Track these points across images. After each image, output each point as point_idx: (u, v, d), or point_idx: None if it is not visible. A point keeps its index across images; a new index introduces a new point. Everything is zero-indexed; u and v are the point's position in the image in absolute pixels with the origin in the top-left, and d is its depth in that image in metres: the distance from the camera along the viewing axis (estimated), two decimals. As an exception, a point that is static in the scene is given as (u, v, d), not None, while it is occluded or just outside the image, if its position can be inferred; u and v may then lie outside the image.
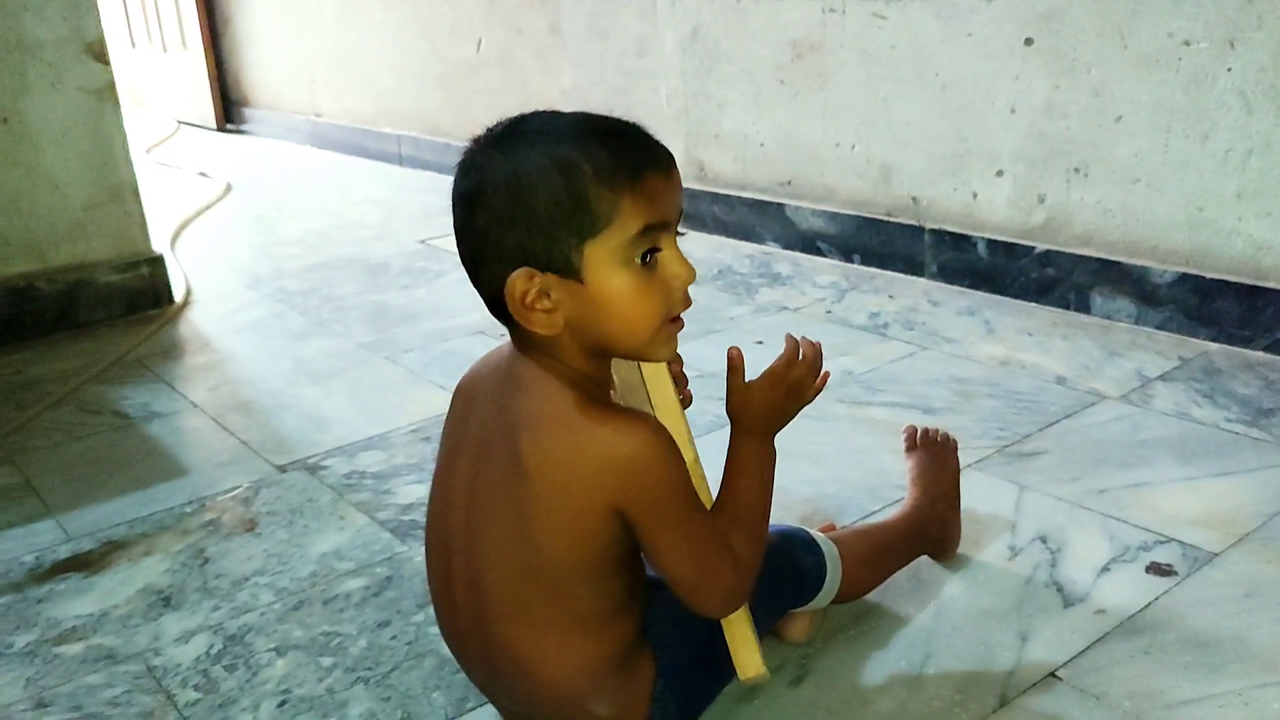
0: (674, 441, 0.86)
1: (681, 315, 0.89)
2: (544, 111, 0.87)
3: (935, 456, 1.33)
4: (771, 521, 1.09)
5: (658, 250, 0.84)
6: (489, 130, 0.86)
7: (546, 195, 0.81)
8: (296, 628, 1.23)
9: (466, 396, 0.95)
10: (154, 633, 1.24)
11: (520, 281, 0.82)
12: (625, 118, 0.87)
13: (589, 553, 0.89)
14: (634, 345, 0.87)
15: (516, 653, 0.91)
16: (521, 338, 0.90)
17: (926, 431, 1.36)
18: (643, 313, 0.84)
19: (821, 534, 1.14)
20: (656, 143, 0.85)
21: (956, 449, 1.35)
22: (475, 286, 0.87)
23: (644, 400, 1.00)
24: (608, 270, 0.82)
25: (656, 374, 1.00)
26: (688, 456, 0.94)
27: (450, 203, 0.87)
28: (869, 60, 2.35)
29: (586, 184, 0.80)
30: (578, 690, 0.92)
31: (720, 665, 1.02)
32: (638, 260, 0.83)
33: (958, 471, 1.33)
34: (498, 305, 0.86)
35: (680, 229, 0.88)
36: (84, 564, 1.40)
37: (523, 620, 0.90)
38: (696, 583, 0.90)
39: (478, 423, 0.92)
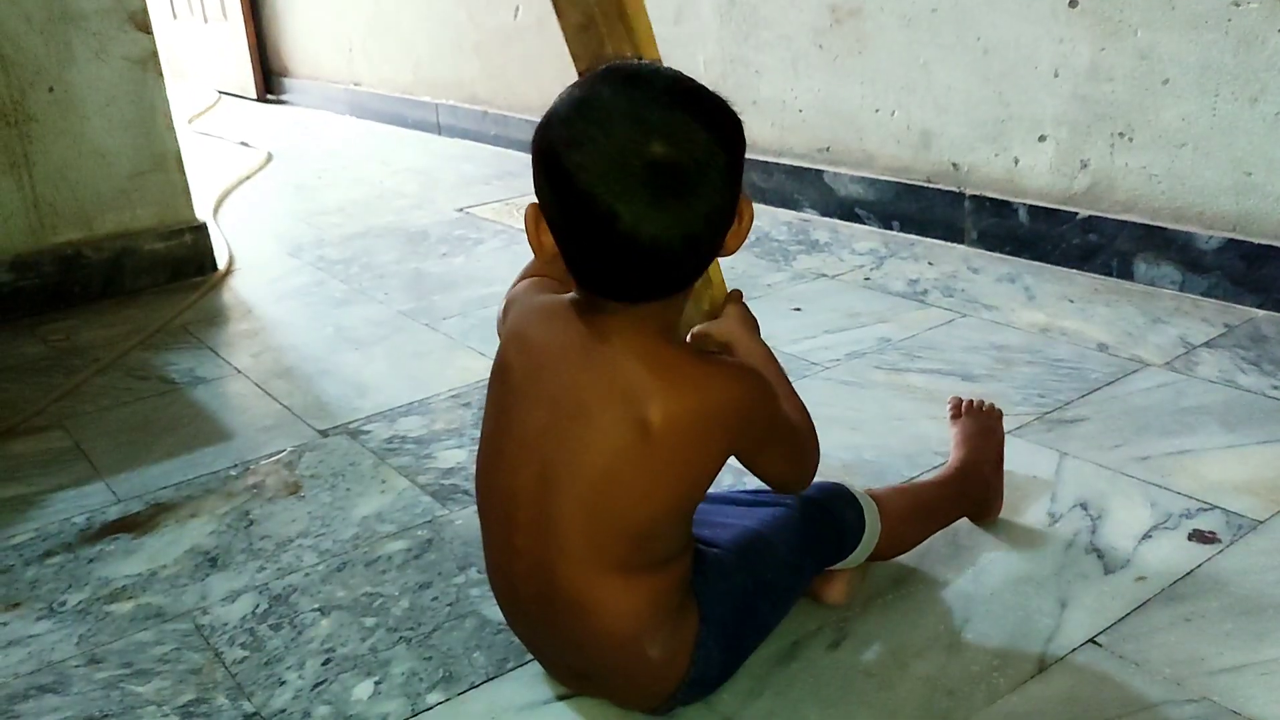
0: (767, 380, 0.95)
1: None
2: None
3: (980, 425, 1.34)
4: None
5: None
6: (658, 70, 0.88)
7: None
8: (340, 588, 1.25)
9: (535, 358, 0.94)
10: (201, 592, 1.27)
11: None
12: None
13: (692, 496, 0.94)
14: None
15: (581, 595, 0.93)
16: (604, 309, 0.90)
17: (971, 402, 1.37)
18: None
19: (862, 490, 1.15)
20: None
21: (1001, 418, 1.37)
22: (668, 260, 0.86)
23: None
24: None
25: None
26: None
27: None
28: (909, 24, 2.32)
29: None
30: (637, 630, 0.94)
31: (762, 618, 1.04)
32: None
33: (1002, 439, 1.34)
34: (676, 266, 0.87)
35: None
36: (132, 525, 1.43)
37: (594, 563, 0.92)
38: (800, 472, 1.03)
39: (560, 384, 0.92)
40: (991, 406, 1.37)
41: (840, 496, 1.12)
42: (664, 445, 0.88)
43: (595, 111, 0.83)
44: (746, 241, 0.90)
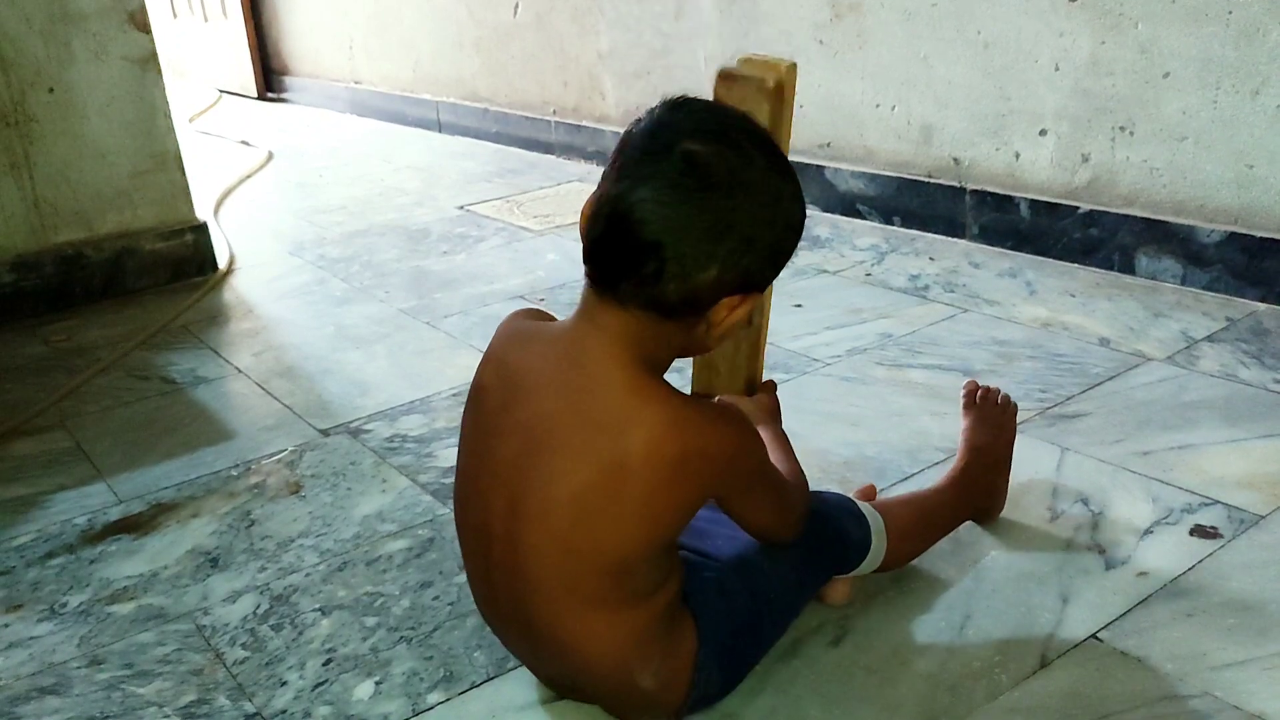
0: (754, 428, 0.93)
1: None
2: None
3: (992, 419, 1.30)
4: (816, 487, 1.10)
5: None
6: (735, 125, 0.88)
7: (787, 230, 0.89)
8: (340, 588, 1.25)
9: (510, 383, 0.92)
10: (202, 593, 1.27)
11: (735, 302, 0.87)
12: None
13: (668, 534, 0.90)
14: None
15: (561, 634, 0.92)
16: (591, 321, 0.88)
17: (988, 391, 1.32)
18: None
19: (869, 505, 1.13)
20: None
21: (1016, 414, 1.32)
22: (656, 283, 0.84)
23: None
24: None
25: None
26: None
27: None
28: (909, 19, 2.31)
29: (798, 236, 0.90)
30: (624, 665, 0.92)
31: (763, 635, 1.02)
32: None
33: (1013, 436, 1.31)
34: (666, 305, 0.85)
35: None
36: (134, 526, 1.43)
37: (571, 601, 0.90)
38: (781, 526, 1.00)
39: (535, 413, 0.89)
40: (1006, 400, 1.32)
41: (846, 511, 1.10)
42: (641, 479, 0.85)
43: (682, 108, 0.86)
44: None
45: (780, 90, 1.04)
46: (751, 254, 0.84)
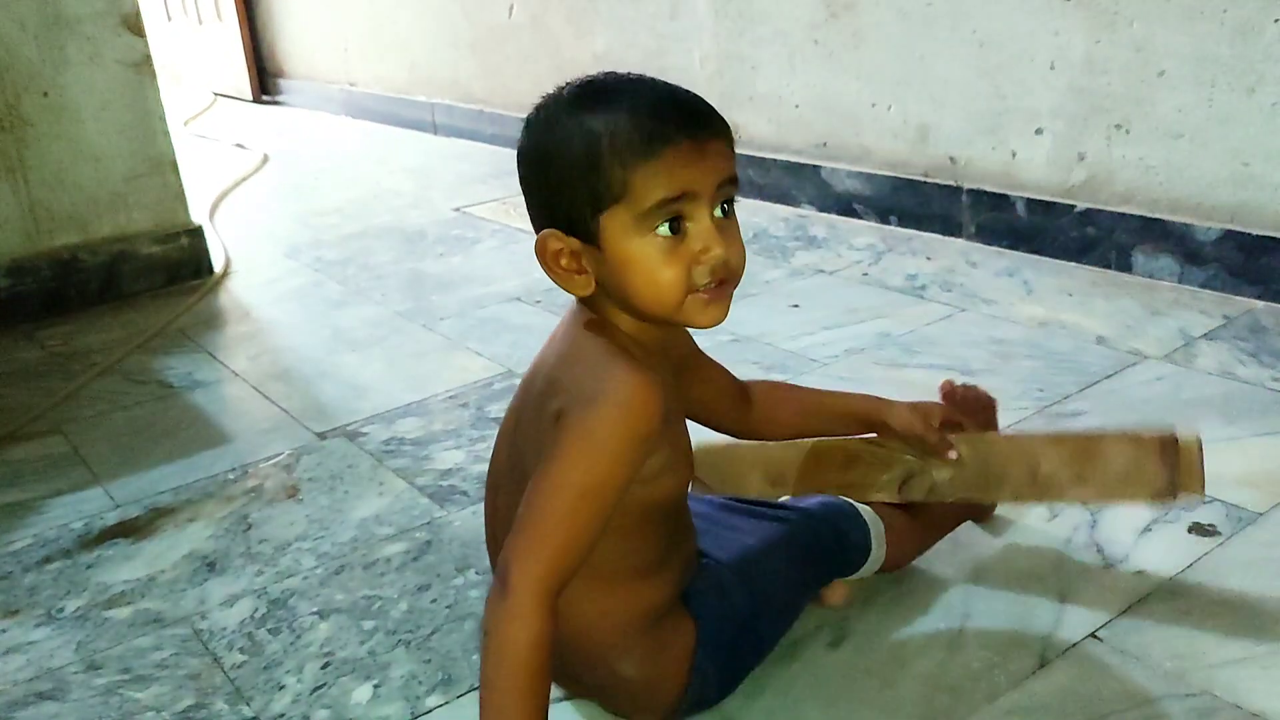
0: (653, 415, 0.81)
1: (724, 280, 0.84)
2: (613, 76, 0.86)
3: (973, 418, 1.28)
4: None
5: (681, 219, 0.82)
6: (561, 88, 0.88)
7: (565, 164, 0.82)
8: (338, 592, 1.25)
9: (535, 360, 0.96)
10: (200, 597, 1.26)
11: (552, 241, 0.85)
12: (623, 71, 0.88)
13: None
14: (663, 313, 0.85)
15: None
16: (579, 301, 0.91)
17: (966, 388, 1.30)
18: (663, 281, 0.82)
19: (868, 507, 1.13)
20: (699, 112, 0.83)
21: (995, 409, 1.31)
22: None
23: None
24: (623, 240, 0.82)
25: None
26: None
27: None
28: (905, 18, 2.31)
29: (600, 155, 0.80)
30: (601, 646, 0.92)
31: (761, 638, 1.02)
32: (661, 230, 0.82)
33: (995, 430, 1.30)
34: None
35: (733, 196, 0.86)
36: (131, 530, 1.42)
37: None
38: (517, 543, 0.80)
39: (528, 376, 0.93)
40: (985, 395, 1.29)
41: (846, 515, 1.10)
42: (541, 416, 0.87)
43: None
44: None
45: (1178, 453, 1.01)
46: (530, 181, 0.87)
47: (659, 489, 0.89)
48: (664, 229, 0.81)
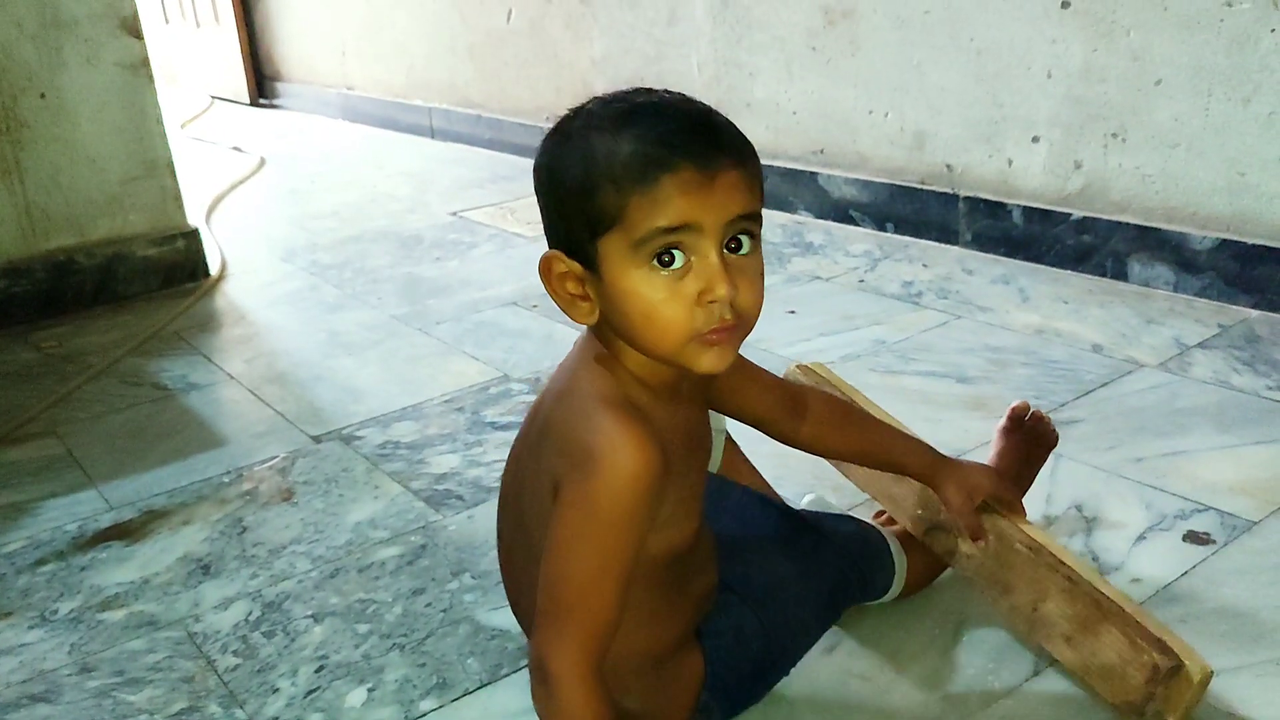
0: (649, 472, 0.75)
1: (732, 326, 0.76)
2: (643, 93, 0.79)
3: (1029, 453, 1.23)
4: (813, 491, 1.08)
5: (675, 250, 0.74)
6: (586, 102, 0.80)
7: (565, 182, 0.77)
8: (333, 595, 1.25)
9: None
10: (194, 600, 1.26)
11: (556, 263, 0.79)
12: (656, 86, 0.82)
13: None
14: (663, 353, 0.77)
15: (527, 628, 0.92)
16: (589, 330, 0.84)
17: (1036, 418, 1.23)
18: (661, 320, 0.75)
19: (899, 545, 1.12)
20: (713, 140, 0.75)
21: (1051, 449, 1.25)
22: None
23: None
24: (621, 269, 0.75)
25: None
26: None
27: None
28: (902, 25, 2.32)
29: (597, 178, 0.74)
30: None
31: (769, 681, 1.01)
32: (656, 263, 0.74)
33: (1038, 469, 1.26)
34: None
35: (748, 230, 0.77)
36: (125, 533, 1.42)
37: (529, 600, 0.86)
38: (542, 620, 0.78)
39: (535, 403, 0.89)
40: (1048, 432, 1.23)
41: (877, 555, 1.09)
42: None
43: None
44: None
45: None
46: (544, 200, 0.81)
47: (661, 541, 0.83)
48: (662, 261, 0.74)
